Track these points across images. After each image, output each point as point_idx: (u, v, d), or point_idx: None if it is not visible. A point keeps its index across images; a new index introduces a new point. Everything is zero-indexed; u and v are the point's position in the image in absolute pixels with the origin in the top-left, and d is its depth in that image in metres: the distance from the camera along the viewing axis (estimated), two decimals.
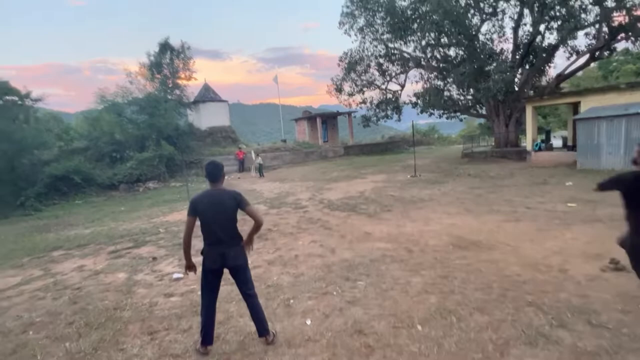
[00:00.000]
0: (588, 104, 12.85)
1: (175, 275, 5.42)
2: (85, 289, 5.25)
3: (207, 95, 27.00)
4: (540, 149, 15.35)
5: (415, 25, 17.52)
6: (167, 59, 22.77)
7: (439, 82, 21.15)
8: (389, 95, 23.32)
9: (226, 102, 27.96)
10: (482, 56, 17.45)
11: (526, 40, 17.37)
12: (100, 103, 20.70)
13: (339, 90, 22.94)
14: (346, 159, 26.47)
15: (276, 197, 12.60)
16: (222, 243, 3.15)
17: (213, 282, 3.21)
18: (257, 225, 3.26)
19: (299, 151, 26.33)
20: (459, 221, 7.28)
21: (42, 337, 3.84)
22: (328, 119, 31.04)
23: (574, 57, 18.24)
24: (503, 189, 10.41)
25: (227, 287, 4.33)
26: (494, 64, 16.68)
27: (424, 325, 3.40)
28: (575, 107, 16.54)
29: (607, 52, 17.53)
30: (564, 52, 18.76)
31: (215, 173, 3.20)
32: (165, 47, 22.46)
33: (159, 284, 5.23)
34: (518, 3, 16.36)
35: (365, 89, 22.77)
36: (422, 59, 21.31)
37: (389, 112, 23.55)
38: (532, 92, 18.49)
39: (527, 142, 15.74)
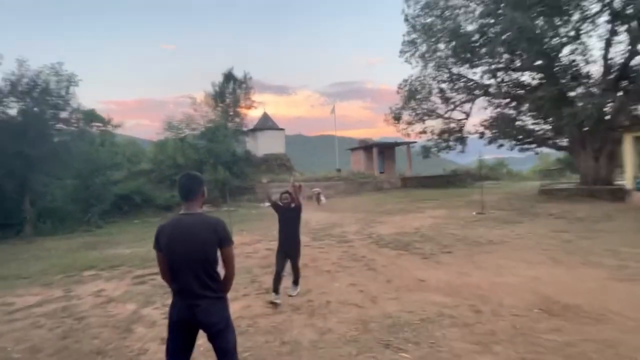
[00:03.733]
0: None
1: None
2: (86, 320, 4.66)
3: (266, 123, 27.65)
4: None
5: (484, 50, 16.06)
6: (230, 89, 23.81)
7: (511, 111, 19.05)
8: (452, 125, 21.62)
9: (283, 131, 28.37)
10: (563, 80, 15.30)
11: (621, 61, 14.92)
12: (167, 129, 22.02)
13: (397, 118, 21.83)
14: (403, 191, 24.84)
15: (322, 228, 11.63)
16: (192, 293, 2.20)
17: (180, 340, 2.26)
18: (228, 277, 2.33)
19: (353, 181, 25.36)
20: (544, 274, 5.61)
21: None
22: (385, 149, 29.86)
23: None
24: (600, 234, 8.29)
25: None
26: (580, 88, 14.41)
27: None
28: None
29: None
30: None
31: (189, 187, 2.31)
32: (228, 77, 23.60)
33: (161, 324, 4.45)
34: (610, 19, 14.20)
35: (425, 117, 21.38)
36: (490, 86, 19.55)
37: (452, 143, 21.74)
38: (627, 121, 15.68)
39: (627, 179, 13.04)
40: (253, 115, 29.49)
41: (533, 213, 12.21)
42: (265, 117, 28.42)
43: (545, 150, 22.92)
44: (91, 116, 24.02)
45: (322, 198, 20.32)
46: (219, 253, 2.24)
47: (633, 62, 15.00)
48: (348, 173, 27.69)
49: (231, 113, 23.81)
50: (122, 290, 5.98)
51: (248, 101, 24.18)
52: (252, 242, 9.88)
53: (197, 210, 2.29)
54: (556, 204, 14.42)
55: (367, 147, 29.50)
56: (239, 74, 24.05)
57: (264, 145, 26.54)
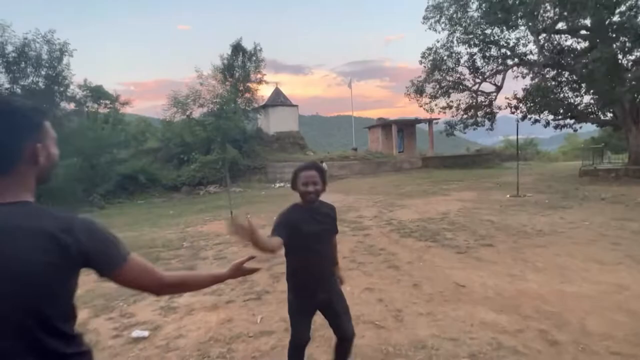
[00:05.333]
0: None
1: (136, 334, 3.42)
2: None
3: (277, 99, 26.19)
4: None
5: (523, 8, 13.86)
6: (239, 62, 22.34)
7: (550, 82, 16.91)
8: (481, 99, 19.60)
9: (296, 107, 26.86)
10: (618, 42, 13.08)
11: None
12: (173, 105, 20.90)
13: (420, 92, 19.91)
14: (424, 171, 23.20)
15: None
16: None
17: None
18: None
19: (370, 161, 23.86)
20: (629, 280, 4.15)
21: None
22: (405, 127, 28.01)
23: None
24: None
25: None
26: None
27: None
28: None
29: None
30: None
31: None
32: (237, 49, 22.08)
33: (109, 344, 3.30)
34: None
35: (451, 90, 19.40)
36: (526, 54, 17.39)
37: (479, 119, 19.77)
38: None
39: None
40: (265, 92, 28.11)
41: (580, 197, 10.54)
42: (278, 93, 26.93)
43: (583, 127, 20.60)
44: (99, 93, 23.13)
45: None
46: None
47: None
48: (365, 152, 26.16)
49: (241, 88, 22.41)
50: (84, 289, 4.87)
51: (259, 75, 22.67)
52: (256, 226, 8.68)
53: (11, 199, 0.97)
54: (604, 186, 12.63)
55: (385, 124, 27.73)
56: (248, 46, 22.51)
57: (276, 123, 25.18)
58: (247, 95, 22.49)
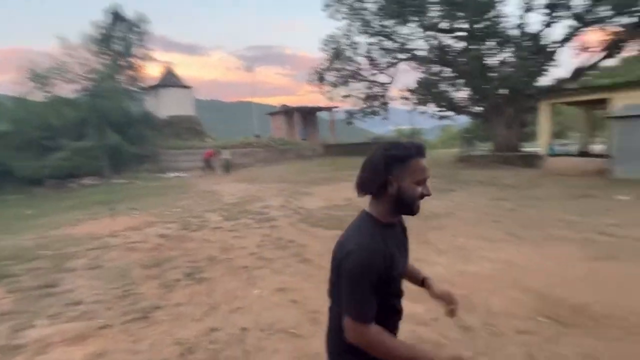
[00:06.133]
0: (622, 101, 10.69)
1: None
2: None
3: (170, 79, 23.53)
4: (557, 155, 13.12)
5: (414, 5, 14.87)
6: (119, 32, 19.15)
7: (435, 77, 18.70)
8: (377, 89, 20.73)
9: (190, 89, 24.56)
10: (487, 43, 15.04)
11: (540, 29, 15.14)
12: (32, 80, 16.88)
13: (321, 79, 20.08)
14: (326, 158, 23.69)
15: (238, 202, 9.60)
16: None
17: None
18: None
19: (273, 148, 23.33)
20: (515, 256, 4.58)
21: None
22: (307, 115, 28.20)
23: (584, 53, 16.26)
24: (539, 202, 7.87)
25: None
26: (505, 53, 14.21)
27: None
28: (593, 108, 14.50)
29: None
30: (571, 48, 16.81)
31: None
32: (115, 16, 18.85)
33: None
34: None
35: (350, 80, 20.03)
36: (416, 49, 18.87)
37: (376, 109, 20.97)
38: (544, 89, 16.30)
39: (541, 146, 13.48)
40: (154, 72, 24.91)
41: (462, 180, 11.84)
42: (170, 74, 24.20)
43: (458, 119, 23.58)
44: None
45: (223, 151, 18.11)
46: None
47: (547, 31, 15.42)
48: (268, 140, 25.50)
49: (122, 63, 19.31)
50: None
51: (144, 50, 19.81)
52: (143, 225, 7.45)
53: None
54: (477, 170, 14.51)
55: (288, 111, 27.44)
56: (130, 14, 19.37)
57: (168, 106, 22.62)
58: (130, 72, 19.47)
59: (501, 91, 16.40)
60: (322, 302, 3.41)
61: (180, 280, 4.26)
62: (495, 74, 16.11)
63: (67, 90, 17.63)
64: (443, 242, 5.28)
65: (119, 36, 19.21)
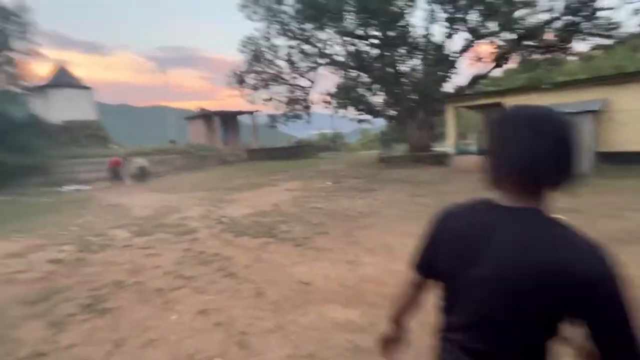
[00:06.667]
0: (511, 104, 12.31)
1: None
2: None
3: (63, 78, 20.54)
4: (462, 153, 14.55)
5: (330, 8, 15.23)
6: None
7: (352, 82, 19.45)
8: (298, 93, 20.82)
9: (89, 90, 21.78)
10: (400, 51, 16.12)
11: (440, 41, 16.72)
12: None
13: (241, 82, 19.46)
14: (250, 164, 23.02)
15: (151, 215, 8.63)
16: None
17: None
18: None
19: (192, 155, 21.86)
20: None
21: None
22: (228, 119, 27.09)
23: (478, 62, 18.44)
24: (451, 197, 8.52)
25: None
26: (414, 59, 15.36)
27: None
28: (489, 111, 16.39)
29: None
30: (468, 58, 18.92)
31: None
32: None
33: None
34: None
35: (271, 82, 19.78)
36: (335, 54, 19.41)
37: (299, 112, 21.06)
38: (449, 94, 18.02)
39: (449, 146, 14.84)
40: (44, 70, 21.52)
41: (381, 179, 12.39)
42: (63, 73, 21.13)
43: (376, 122, 24.91)
44: None
45: (136, 160, 16.48)
46: None
47: (448, 42, 17.09)
48: (186, 145, 23.86)
49: None
50: None
51: (27, 44, 16.92)
52: (27, 250, 6.18)
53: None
54: (395, 170, 15.39)
55: (207, 115, 26.04)
56: (8, 3, 16.37)
57: (62, 109, 19.68)
58: (9, 69, 16.44)
59: (412, 96, 17.69)
60: (249, 321, 3.10)
61: (76, 314, 3.53)
62: (407, 80, 17.28)
63: None
64: (371, 241, 5.32)
65: None
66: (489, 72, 17.71)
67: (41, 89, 19.29)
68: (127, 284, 4.24)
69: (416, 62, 16.85)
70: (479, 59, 18.63)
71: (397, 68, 16.06)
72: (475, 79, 18.12)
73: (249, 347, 2.77)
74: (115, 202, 11.35)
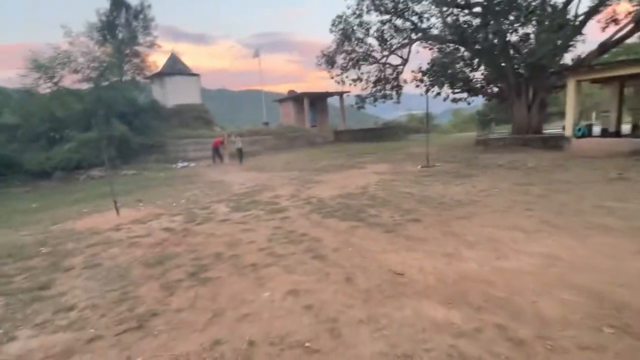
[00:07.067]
0: None
1: None
2: None
3: (175, 67, 23.03)
4: (584, 135, 12.32)
5: None
6: (122, 20, 18.67)
7: (450, 57, 17.78)
8: (389, 71, 19.91)
9: (197, 77, 24.04)
10: (509, 19, 14.03)
11: (561, 2, 14.08)
12: (34, 70, 16.59)
13: (331, 63, 19.34)
14: (337, 145, 23.16)
15: (247, 192, 9.19)
16: None
17: None
18: None
19: (282, 135, 22.83)
20: (557, 248, 4.04)
21: None
22: (317, 101, 27.49)
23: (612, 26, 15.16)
24: (569, 187, 7.25)
25: None
26: (535, 23, 13.04)
27: None
28: (622, 85, 13.57)
29: None
30: (598, 21, 15.70)
31: None
32: (118, 3, 18.33)
33: None
34: None
35: (361, 62, 19.23)
36: (430, 28, 17.94)
37: (388, 92, 20.19)
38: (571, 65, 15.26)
39: (567, 127, 12.67)
40: (160, 60, 24.43)
41: (481, 165, 11.21)
42: (175, 60, 23.68)
43: (476, 100, 22.56)
44: None
45: (236, 140, 17.65)
46: None
47: (572, 2, 14.34)
48: (277, 127, 24.99)
49: (127, 52, 18.88)
50: None
51: (149, 38, 19.32)
52: (147, 217, 7.10)
53: None
54: (497, 154, 13.82)
55: (297, 97, 26.78)
56: (133, 1, 18.84)
57: (174, 94, 22.20)
58: (136, 60, 19.06)
59: (521, 70, 15.48)
60: (339, 307, 2.98)
61: (183, 280, 3.86)
62: (514, 52, 15.15)
63: (72, 81, 17.31)
64: (471, 233, 4.76)
65: (122, 24, 18.73)
66: (624, 38, 14.44)
67: (158, 77, 21.98)
68: (226, 256, 4.51)
69: (529, 29, 14.57)
70: (613, 21, 15.36)
71: (505, 37, 14.08)
72: (604, 47, 14.98)
73: (339, 336, 2.65)
74: (217, 179, 12.44)
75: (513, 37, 15.18)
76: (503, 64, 15.04)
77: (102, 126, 16.32)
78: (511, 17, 13.96)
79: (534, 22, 13.78)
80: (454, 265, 3.79)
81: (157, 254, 4.82)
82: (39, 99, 17.03)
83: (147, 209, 8.00)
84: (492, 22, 13.89)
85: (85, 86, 17.29)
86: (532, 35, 15.34)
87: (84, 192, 12.05)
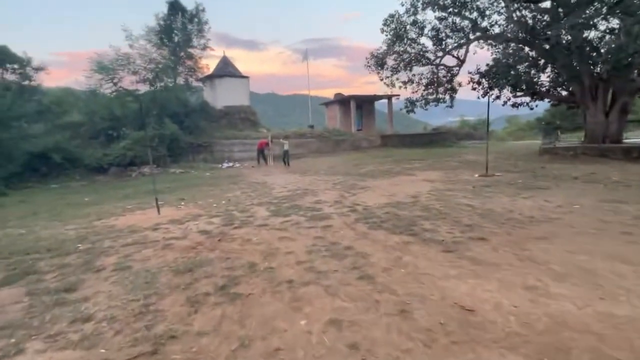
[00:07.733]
0: None
1: None
2: None
3: (226, 69, 23.54)
4: None
5: None
6: (178, 23, 19.36)
7: (513, 57, 16.25)
8: (442, 73, 18.72)
9: (247, 79, 24.39)
10: (589, 10, 12.37)
11: None
12: (97, 71, 17.64)
13: (381, 64, 18.57)
14: (383, 150, 22.27)
15: (289, 195, 8.76)
16: None
17: None
18: None
19: (327, 139, 22.40)
20: None
21: None
22: (364, 104, 26.78)
23: None
24: None
25: None
26: (621, 16, 11.36)
27: None
28: None
29: None
30: None
31: None
32: (174, 7, 19.04)
33: None
34: None
35: (413, 63, 18.24)
36: (493, 24, 16.56)
37: (440, 95, 18.96)
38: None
39: None
40: (211, 62, 25.19)
41: (551, 176, 9.87)
42: (226, 63, 24.24)
43: (522, 110, 20.43)
44: (1, 55, 19.03)
45: (283, 142, 17.41)
46: None
47: None
48: (322, 130, 24.63)
49: (181, 54, 19.55)
50: None
51: (202, 41, 19.88)
52: (186, 217, 6.89)
53: None
54: (566, 164, 12.27)
55: (343, 100, 26.26)
56: (189, 5, 19.52)
57: (224, 96, 22.66)
58: (189, 62, 19.67)
59: (599, 70, 13.67)
60: (395, 353, 2.29)
61: (211, 295, 3.41)
62: (591, 49, 13.42)
63: (130, 81, 18.21)
64: (557, 260, 3.85)
65: (178, 27, 19.44)
66: None
67: (209, 78, 22.58)
68: (260, 269, 4.01)
69: (613, 24, 12.81)
70: None
71: (582, 33, 12.45)
72: None
73: None
74: (260, 180, 12.22)
75: (591, 34, 13.47)
76: (575, 64, 13.38)
77: (156, 125, 16.92)
78: (591, 10, 12.32)
79: (619, 14, 12.01)
80: (541, 303, 2.96)
81: (188, 260, 4.45)
82: (101, 99, 18.09)
83: (188, 209, 7.85)
84: (567, 17, 12.35)
85: (142, 87, 18.11)
86: (616, 31, 13.49)
87: (133, 187, 12.40)
